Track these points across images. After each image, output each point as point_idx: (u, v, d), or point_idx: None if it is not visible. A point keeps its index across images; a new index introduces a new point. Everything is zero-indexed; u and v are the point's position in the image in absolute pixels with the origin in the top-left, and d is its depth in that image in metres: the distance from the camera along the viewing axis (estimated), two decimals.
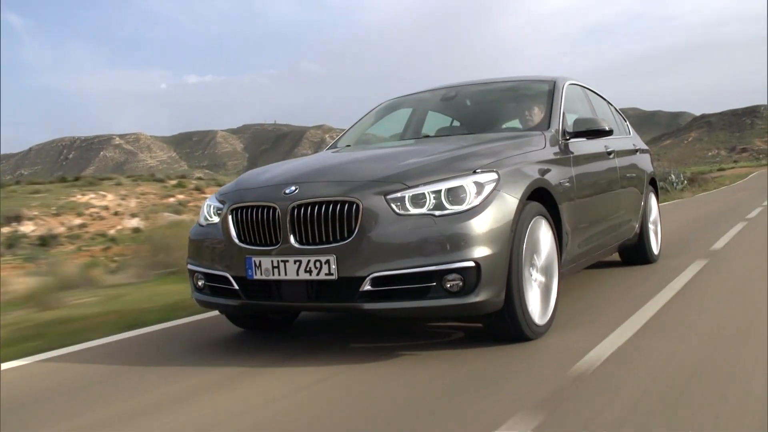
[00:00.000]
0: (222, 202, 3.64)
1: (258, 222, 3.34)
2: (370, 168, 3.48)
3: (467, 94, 5.08)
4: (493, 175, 3.30)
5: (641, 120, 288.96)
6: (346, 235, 3.13)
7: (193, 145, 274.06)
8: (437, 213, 3.13)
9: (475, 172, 3.28)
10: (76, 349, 3.99)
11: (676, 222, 10.41)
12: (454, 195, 3.18)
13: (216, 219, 3.65)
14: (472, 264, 3.07)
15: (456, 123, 5.06)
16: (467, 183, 3.21)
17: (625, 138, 5.79)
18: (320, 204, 3.20)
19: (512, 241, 3.24)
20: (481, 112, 4.89)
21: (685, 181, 29.68)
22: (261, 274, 3.29)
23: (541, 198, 3.63)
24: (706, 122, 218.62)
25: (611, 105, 5.92)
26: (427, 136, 4.73)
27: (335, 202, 3.17)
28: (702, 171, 57.64)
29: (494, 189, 3.25)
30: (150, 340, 4.13)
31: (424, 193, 3.17)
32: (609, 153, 4.92)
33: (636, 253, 5.77)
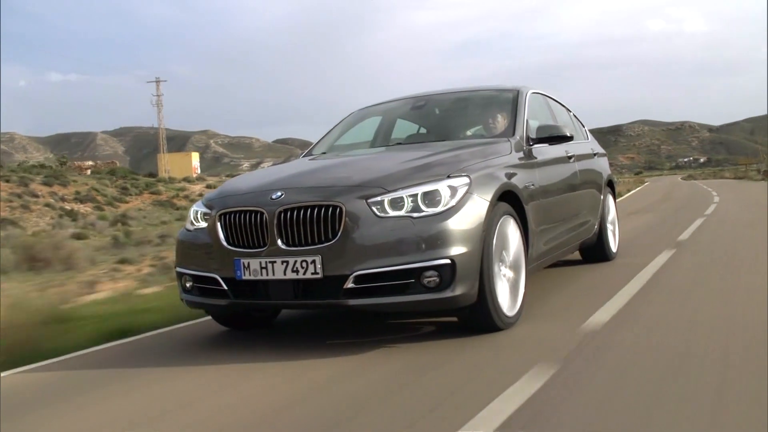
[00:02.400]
0: (209, 207, 3.83)
1: (246, 226, 3.54)
2: (351, 173, 3.73)
3: (436, 102, 5.35)
4: (466, 179, 3.56)
5: None
6: (330, 236, 3.36)
7: (72, 147, 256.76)
8: (415, 215, 3.38)
9: (449, 177, 3.55)
10: None
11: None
12: (430, 198, 3.44)
13: (203, 224, 3.84)
14: (448, 261, 3.33)
15: (423, 130, 5.32)
16: (442, 187, 3.47)
17: (584, 143, 6.12)
18: (306, 208, 3.42)
19: (484, 239, 3.51)
20: (449, 120, 5.16)
21: None
22: (249, 275, 3.50)
23: (508, 200, 3.91)
24: None
25: (570, 111, 6.26)
26: (399, 143, 4.99)
27: (320, 206, 3.40)
28: None
29: (467, 192, 3.51)
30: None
31: (402, 197, 3.42)
32: (569, 157, 5.24)
33: (595, 251, 6.10)
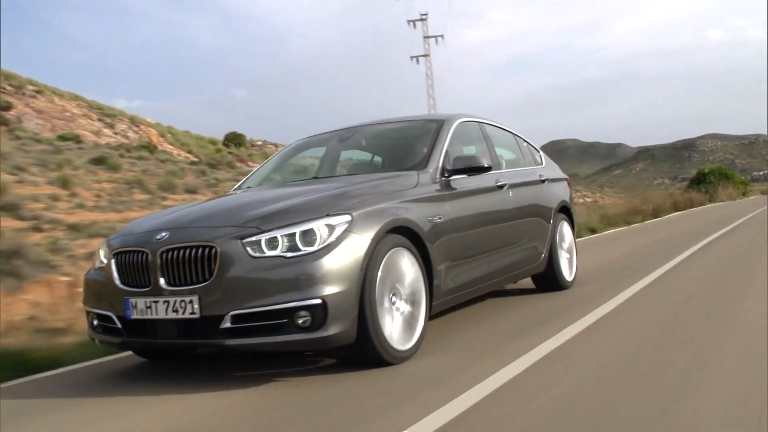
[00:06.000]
0: (109, 246, 3.91)
1: (133, 265, 3.62)
2: (236, 213, 3.77)
3: (363, 134, 5.38)
4: (346, 217, 3.57)
5: (580, 150, 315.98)
6: (207, 276, 3.41)
7: None
8: (289, 255, 3.40)
9: (327, 215, 3.56)
10: None
11: None
12: (307, 237, 3.46)
13: (107, 262, 3.92)
14: (318, 301, 3.34)
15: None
16: (319, 226, 3.49)
17: (529, 169, 6.02)
18: (185, 248, 3.48)
19: (364, 277, 3.50)
20: (373, 151, 5.19)
21: None
22: (137, 314, 3.57)
23: (405, 233, 3.89)
24: (650, 154, 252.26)
25: (518, 137, 6.19)
26: (316, 178, 5.01)
27: (196, 247, 3.46)
28: None
29: (346, 230, 3.52)
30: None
31: (276, 237, 3.45)
32: (500, 186, 5.17)
33: (546, 279, 5.97)
